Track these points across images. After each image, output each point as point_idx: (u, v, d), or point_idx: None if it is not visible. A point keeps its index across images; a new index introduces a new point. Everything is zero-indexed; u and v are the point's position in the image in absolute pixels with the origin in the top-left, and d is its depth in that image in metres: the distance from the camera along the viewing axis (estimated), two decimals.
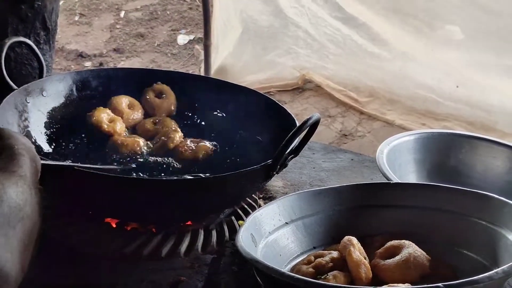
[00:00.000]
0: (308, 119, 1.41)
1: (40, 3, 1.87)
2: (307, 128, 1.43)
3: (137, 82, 1.78)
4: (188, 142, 1.62)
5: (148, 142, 1.64)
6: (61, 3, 2.01)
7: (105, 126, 1.63)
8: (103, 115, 1.65)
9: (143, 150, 1.61)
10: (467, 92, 3.35)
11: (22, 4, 1.83)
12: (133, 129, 1.71)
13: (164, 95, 1.75)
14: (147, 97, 1.75)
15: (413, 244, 1.26)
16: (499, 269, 1.02)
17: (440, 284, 0.99)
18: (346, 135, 3.45)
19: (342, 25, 3.68)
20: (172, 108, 1.75)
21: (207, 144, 1.63)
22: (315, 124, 1.44)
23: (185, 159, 1.59)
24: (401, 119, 3.39)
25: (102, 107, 1.67)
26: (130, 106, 1.72)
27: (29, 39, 1.80)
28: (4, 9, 1.83)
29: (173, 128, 1.66)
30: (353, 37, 3.68)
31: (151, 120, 1.71)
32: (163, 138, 1.63)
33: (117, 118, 1.67)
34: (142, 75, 1.82)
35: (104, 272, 1.38)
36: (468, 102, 3.31)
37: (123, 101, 1.71)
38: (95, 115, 1.63)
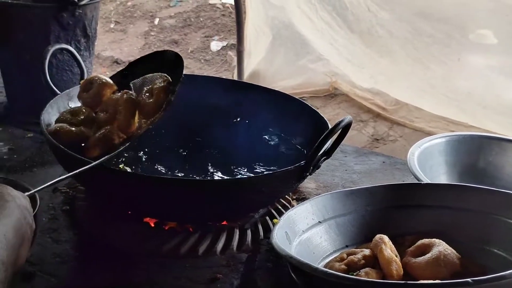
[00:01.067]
0: (340, 121, 1.45)
1: (81, 11, 1.94)
2: (340, 130, 1.47)
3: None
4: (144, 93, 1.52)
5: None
6: None
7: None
8: None
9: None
10: (497, 100, 3.34)
11: (64, 12, 1.90)
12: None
13: (92, 85, 1.60)
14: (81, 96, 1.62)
15: (444, 242, 1.29)
16: None
17: (469, 280, 1.02)
18: (378, 140, 3.47)
19: (360, 44, 3.70)
20: (104, 89, 1.59)
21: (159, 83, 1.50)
22: (347, 126, 1.48)
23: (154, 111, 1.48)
24: (430, 127, 3.40)
25: None
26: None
27: (70, 46, 1.86)
28: (46, 18, 1.90)
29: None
30: (373, 55, 3.70)
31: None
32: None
33: None
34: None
35: (143, 270, 1.42)
36: (498, 110, 3.31)
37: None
38: None
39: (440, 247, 1.28)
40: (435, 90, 3.52)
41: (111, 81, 1.57)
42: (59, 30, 1.92)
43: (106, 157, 1.40)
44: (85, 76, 1.75)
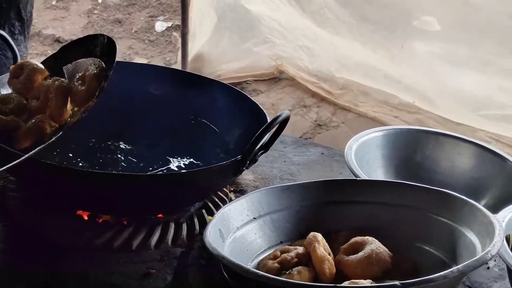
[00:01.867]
0: (277, 116, 1.45)
1: None
2: (277, 125, 1.46)
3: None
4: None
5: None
6: None
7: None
8: None
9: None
10: (439, 85, 3.39)
11: None
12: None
13: (22, 70, 1.54)
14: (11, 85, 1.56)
15: (376, 240, 1.30)
16: (454, 268, 1.06)
17: (397, 283, 1.03)
18: (320, 125, 3.48)
19: (312, 24, 3.70)
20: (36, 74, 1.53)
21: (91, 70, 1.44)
22: (285, 121, 1.47)
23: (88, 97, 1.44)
24: (374, 112, 3.43)
25: None
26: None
27: (4, 29, 1.81)
28: None
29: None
30: (324, 32, 3.71)
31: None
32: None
33: None
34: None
35: (75, 263, 1.40)
36: (441, 96, 3.36)
37: None
38: None
39: (373, 245, 1.29)
40: (380, 76, 3.55)
41: (42, 66, 1.53)
42: None
43: (38, 148, 1.37)
44: (19, 61, 1.69)
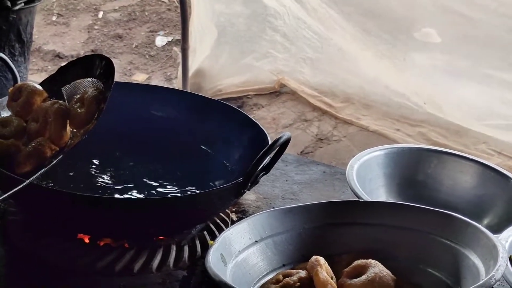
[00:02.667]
0: (278, 138, 1.45)
1: (15, 16, 1.87)
2: (278, 147, 1.46)
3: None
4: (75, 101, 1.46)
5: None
6: (40, 3, 2.01)
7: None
8: None
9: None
10: (441, 99, 3.39)
11: None
12: None
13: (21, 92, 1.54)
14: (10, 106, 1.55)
15: (379, 263, 1.29)
16: None
17: None
18: (322, 139, 3.48)
19: (321, 29, 3.71)
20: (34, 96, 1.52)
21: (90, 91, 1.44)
22: (286, 143, 1.47)
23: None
24: (376, 125, 3.43)
25: None
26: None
27: (4, 51, 1.81)
28: None
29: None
30: (330, 42, 3.71)
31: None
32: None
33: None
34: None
35: (75, 287, 1.39)
36: (442, 109, 3.36)
37: None
38: None
39: (376, 268, 1.28)
40: (382, 88, 3.56)
41: (41, 88, 1.52)
42: None
43: (39, 173, 1.36)
44: (18, 83, 1.69)
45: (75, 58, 1.63)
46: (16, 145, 1.46)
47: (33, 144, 1.44)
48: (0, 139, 1.46)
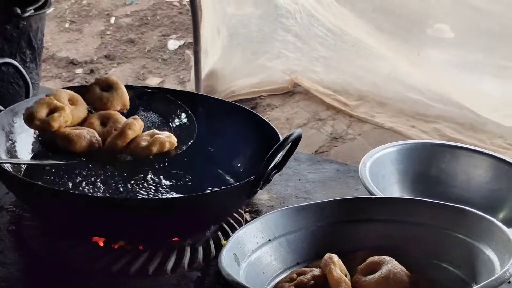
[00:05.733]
0: (289, 135, 1.44)
1: (25, 23, 1.88)
2: (290, 144, 1.45)
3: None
4: (144, 135, 1.52)
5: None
6: (50, 10, 2.01)
7: (37, 122, 1.49)
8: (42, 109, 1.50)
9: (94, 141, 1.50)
10: (456, 93, 3.37)
11: (7, 24, 1.85)
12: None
13: (112, 89, 1.63)
14: (92, 91, 1.61)
15: (393, 260, 1.29)
16: None
17: None
18: (336, 138, 3.47)
19: (333, 26, 3.70)
20: (124, 101, 1.62)
21: (164, 137, 1.51)
22: (297, 139, 1.46)
23: (138, 156, 1.50)
24: (391, 122, 3.42)
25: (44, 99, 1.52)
26: (73, 102, 1.58)
27: (15, 58, 1.82)
28: None
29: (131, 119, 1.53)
30: (344, 38, 3.70)
31: (98, 116, 1.58)
32: (118, 126, 1.52)
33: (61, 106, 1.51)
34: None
35: None
36: (457, 104, 3.33)
37: (63, 95, 1.55)
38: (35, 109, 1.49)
39: (390, 265, 1.27)
40: (397, 85, 3.54)
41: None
42: (3, 42, 1.86)
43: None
44: (30, 89, 1.70)
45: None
46: None
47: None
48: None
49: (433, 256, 1.33)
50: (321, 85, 3.66)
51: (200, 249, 1.51)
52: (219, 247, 1.50)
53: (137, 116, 1.56)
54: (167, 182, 1.63)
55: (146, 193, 1.58)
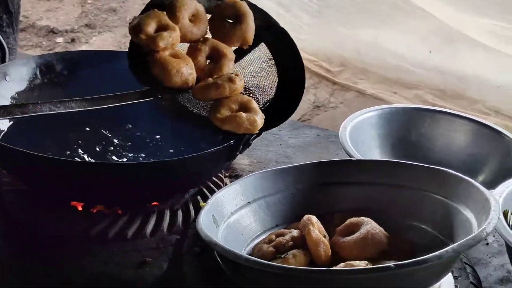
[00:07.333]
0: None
1: None
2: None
3: (105, 63, 1.77)
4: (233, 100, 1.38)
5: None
6: None
7: (143, 37, 1.34)
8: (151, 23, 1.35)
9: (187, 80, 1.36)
10: (438, 59, 3.36)
11: None
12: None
13: (238, 20, 1.42)
14: (217, 13, 1.40)
15: (372, 221, 1.29)
16: (449, 247, 1.05)
17: (391, 265, 1.02)
18: (319, 107, 3.45)
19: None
20: (247, 38, 1.43)
21: (246, 118, 1.37)
22: None
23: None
24: (373, 88, 3.40)
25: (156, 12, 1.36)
26: (195, 18, 1.41)
27: None
28: None
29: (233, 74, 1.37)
30: (329, 3, 3.66)
31: (208, 48, 1.41)
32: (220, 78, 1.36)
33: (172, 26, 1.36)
34: (109, 57, 1.82)
35: (70, 255, 1.40)
36: (439, 69, 3.33)
37: (187, 5, 1.39)
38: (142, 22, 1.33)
39: (369, 226, 1.28)
40: (380, 51, 3.52)
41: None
42: None
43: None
44: (7, 54, 1.68)
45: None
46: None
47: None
48: None
49: (411, 217, 1.33)
50: (304, 52, 3.63)
51: (180, 213, 1.51)
52: (198, 211, 1.49)
53: (240, 75, 1.40)
54: (146, 146, 1.62)
55: (125, 157, 1.57)
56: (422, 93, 3.25)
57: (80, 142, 1.62)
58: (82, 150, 1.59)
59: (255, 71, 1.51)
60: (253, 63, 1.51)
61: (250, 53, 1.49)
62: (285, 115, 1.44)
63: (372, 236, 1.25)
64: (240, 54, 1.48)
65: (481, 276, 1.35)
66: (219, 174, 1.63)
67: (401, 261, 1.05)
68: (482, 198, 1.23)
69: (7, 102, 1.62)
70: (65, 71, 1.73)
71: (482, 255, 1.48)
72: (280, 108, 1.45)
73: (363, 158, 1.52)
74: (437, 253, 1.03)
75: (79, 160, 1.52)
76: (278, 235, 1.29)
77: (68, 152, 1.59)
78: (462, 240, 1.08)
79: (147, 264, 1.37)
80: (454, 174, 1.33)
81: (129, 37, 1.41)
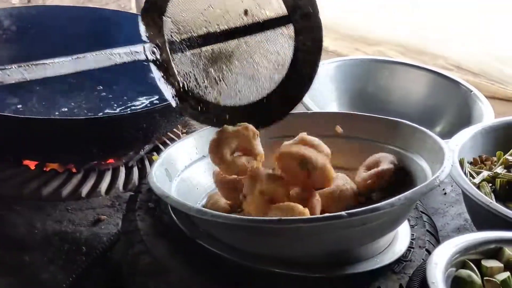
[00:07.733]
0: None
1: None
2: None
3: (55, 22, 1.72)
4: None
5: None
6: None
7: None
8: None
9: None
10: (399, 16, 3.35)
11: None
12: None
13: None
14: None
15: (345, 176, 1.26)
16: (401, 195, 1.03)
17: (343, 213, 1.00)
18: None
19: None
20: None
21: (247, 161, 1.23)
22: None
23: None
24: (335, 45, 3.38)
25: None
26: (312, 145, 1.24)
27: None
28: None
29: None
30: None
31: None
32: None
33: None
34: (57, 13, 1.77)
35: (21, 215, 1.37)
36: (401, 27, 3.32)
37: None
38: None
39: (339, 180, 1.25)
40: (341, 8, 3.49)
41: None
42: None
43: None
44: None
45: None
46: None
47: None
48: None
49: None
50: None
51: (135, 170, 1.49)
52: None
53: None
54: (96, 102, 1.59)
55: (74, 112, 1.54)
56: (384, 49, 3.24)
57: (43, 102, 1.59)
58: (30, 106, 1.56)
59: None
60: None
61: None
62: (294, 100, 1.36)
63: (340, 192, 1.22)
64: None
65: (438, 225, 1.35)
66: (175, 130, 1.60)
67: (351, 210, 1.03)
68: (436, 147, 1.21)
69: None
70: (13, 27, 1.68)
71: (440, 205, 1.49)
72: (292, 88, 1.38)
73: (320, 111, 1.50)
74: (389, 200, 1.02)
75: (28, 116, 1.48)
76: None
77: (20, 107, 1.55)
78: (415, 188, 1.07)
79: (102, 222, 1.35)
80: (408, 125, 1.31)
81: None
